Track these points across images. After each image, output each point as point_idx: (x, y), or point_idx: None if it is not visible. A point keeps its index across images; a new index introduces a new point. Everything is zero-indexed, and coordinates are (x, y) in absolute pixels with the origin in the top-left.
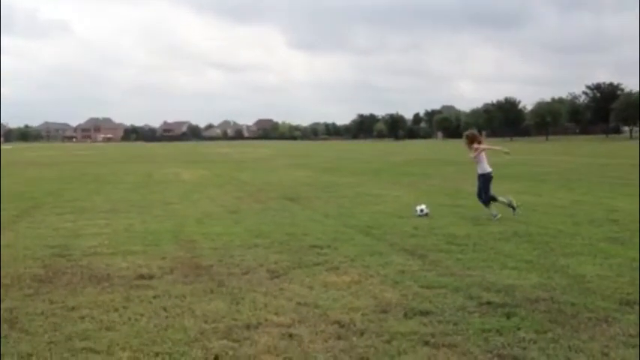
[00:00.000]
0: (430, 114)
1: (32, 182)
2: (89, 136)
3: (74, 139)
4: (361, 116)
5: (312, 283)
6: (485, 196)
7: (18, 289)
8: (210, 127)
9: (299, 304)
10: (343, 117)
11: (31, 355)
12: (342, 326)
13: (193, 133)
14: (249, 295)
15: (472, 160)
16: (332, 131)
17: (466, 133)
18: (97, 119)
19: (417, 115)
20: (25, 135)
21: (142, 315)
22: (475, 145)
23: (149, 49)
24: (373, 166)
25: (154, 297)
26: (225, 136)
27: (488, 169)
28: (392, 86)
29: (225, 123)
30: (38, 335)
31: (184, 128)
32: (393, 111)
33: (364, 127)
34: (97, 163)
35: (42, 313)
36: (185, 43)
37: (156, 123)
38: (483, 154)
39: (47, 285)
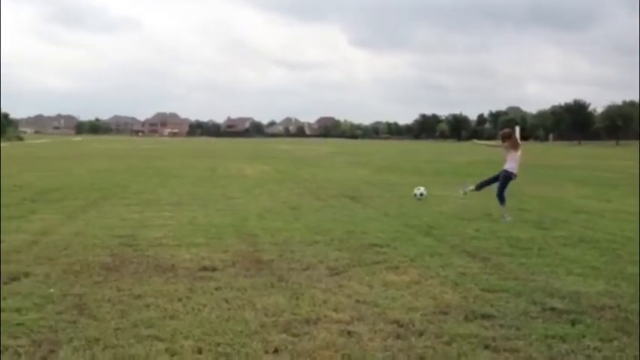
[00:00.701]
0: (495, 115)
1: (101, 174)
2: (156, 131)
3: (140, 134)
4: (423, 116)
5: (372, 281)
6: (498, 192)
7: (87, 276)
8: (272, 123)
9: (358, 301)
10: (405, 116)
11: (98, 340)
12: (401, 326)
13: (256, 130)
14: (308, 291)
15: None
16: (393, 130)
17: (502, 132)
18: (163, 114)
19: (481, 116)
20: (95, 128)
21: (204, 306)
22: (506, 143)
23: (214, 45)
24: (435, 166)
25: (216, 289)
26: (287, 133)
27: (513, 168)
28: (455, 86)
29: (287, 120)
30: (105, 321)
31: (247, 124)
32: (455, 111)
33: (426, 127)
34: (162, 157)
35: (109, 300)
36: (249, 41)
37: (220, 119)
38: (514, 152)
39: (115, 273)
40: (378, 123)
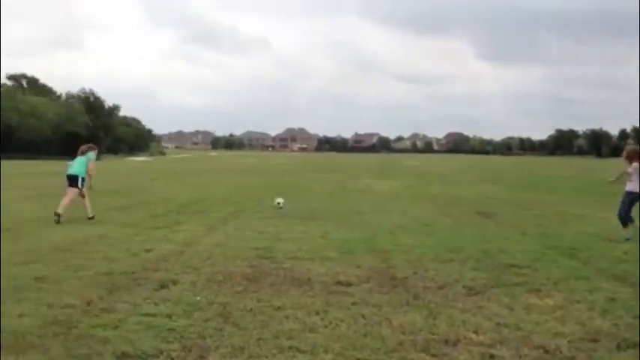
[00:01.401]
0: (639, 130)
1: (237, 188)
2: (286, 146)
3: (270, 148)
4: (559, 131)
5: (512, 303)
6: (623, 214)
7: (229, 285)
8: (399, 139)
9: (499, 324)
10: (536, 131)
11: (243, 348)
12: (547, 352)
13: (383, 145)
14: (445, 311)
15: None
16: (526, 146)
17: (628, 148)
18: (293, 129)
19: (623, 132)
20: (229, 143)
21: (341, 320)
22: (635, 164)
23: (340, 61)
24: (574, 183)
25: (352, 304)
26: (414, 149)
27: (637, 189)
28: (588, 99)
29: (415, 135)
30: (248, 330)
31: (374, 140)
32: (594, 126)
33: (562, 143)
34: (292, 171)
35: (251, 310)
36: (374, 56)
37: (347, 134)
38: (638, 173)
39: (254, 284)
40: (509, 138)
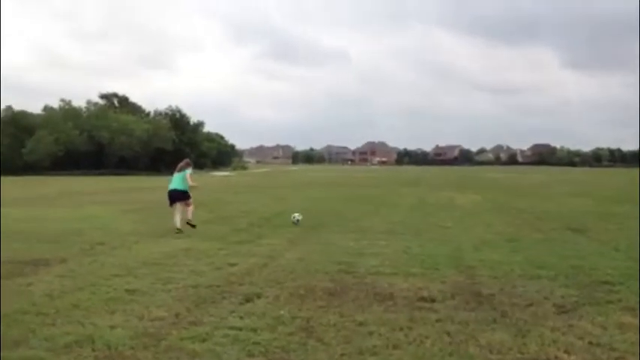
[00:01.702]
0: None
1: (317, 201)
2: (366, 159)
3: (350, 162)
4: None
5: (605, 322)
6: None
7: (312, 300)
8: (482, 151)
9: (591, 343)
10: (629, 142)
11: None
12: None
13: (465, 157)
14: (535, 329)
15: None
16: (617, 157)
17: None
18: (373, 143)
19: None
20: (309, 157)
21: (426, 337)
22: None
23: (419, 73)
24: None
25: (437, 320)
26: (497, 161)
27: None
28: None
29: (498, 147)
30: (332, 346)
31: (456, 152)
32: None
33: None
34: (373, 185)
35: (334, 325)
36: (456, 66)
37: (428, 147)
38: None
39: (337, 299)
40: (598, 149)
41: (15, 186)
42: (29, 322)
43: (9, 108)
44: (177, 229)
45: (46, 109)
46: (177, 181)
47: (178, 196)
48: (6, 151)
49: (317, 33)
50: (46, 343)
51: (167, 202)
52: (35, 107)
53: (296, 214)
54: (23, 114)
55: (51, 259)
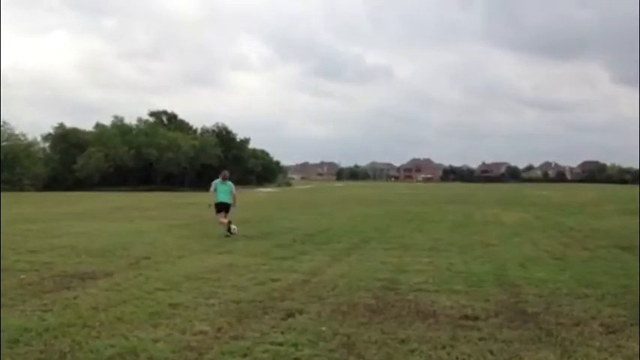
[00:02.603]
0: None
1: (361, 218)
2: (410, 176)
3: (393, 179)
4: None
5: None
6: None
7: (354, 316)
8: (529, 168)
9: None
10: None
11: None
12: None
13: (512, 175)
14: (581, 349)
15: None
16: None
17: None
18: (417, 160)
19: None
20: (354, 173)
21: (469, 356)
22: None
23: (464, 89)
24: None
25: (480, 339)
26: (545, 178)
27: None
28: None
29: (546, 164)
30: None
31: (503, 169)
32: None
33: None
34: (417, 202)
35: (375, 342)
36: (502, 83)
37: (474, 164)
38: None
39: (378, 315)
40: None
41: (66, 201)
42: (75, 334)
43: (61, 125)
44: (227, 234)
45: (98, 126)
46: (226, 193)
47: (227, 208)
48: (57, 167)
49: (362, 49)
50: (91, 355)
51: (214, 211)
52: (87, 125)
53: (233, 227)
54: (75, 131)
55: (98, 272)
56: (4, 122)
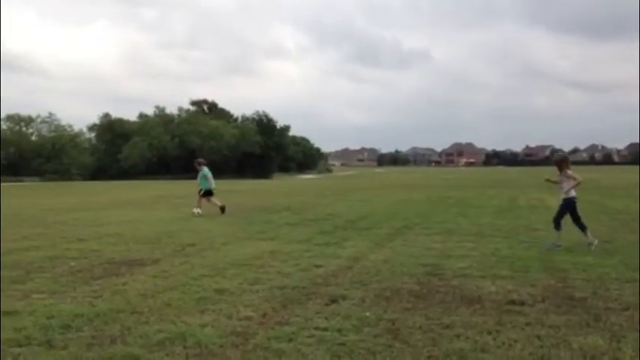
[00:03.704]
0: None
1: (403, 203)
2: (452, 161)
3: (433, 164)
4: None
5: None
6: (560, 219)
7: (397, 302)
8: (575, 150)
9: None
10: None
11: None
12: None
13: None
14: (631, 334)
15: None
16: None
17: (555, 158)
18: (459, 144)
19: None
20: (395, 159)
21: (515, 341)
22: (569, 172)
23: (506, 72)
24: None
25: (527, 324)
26: (592, 161)
27: (572, 193)
28: None
29: (593, 147)
30: (418, 348)
31: (547, 152)
32: None
33: None
34: (460, 186)
35: (420, 328)
36: (545, 64)
37: (517, 147)
38: (570, 179)
39: (422, 301)
40: None
41: (111, 190)
42: (124, 320)
43: (107, 115)
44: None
45: (141, 116)
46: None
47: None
48: (103, 157)
49: (398, 33)
50: (140, 340)
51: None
52: (128, 114)
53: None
54: (120, 121)
55: (145, 259)
56: (51, 113)
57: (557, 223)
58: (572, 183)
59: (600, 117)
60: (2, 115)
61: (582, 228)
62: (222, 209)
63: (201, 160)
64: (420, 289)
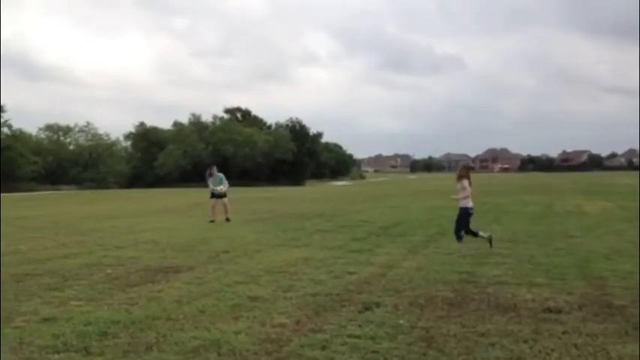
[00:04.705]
0: None
1: (436, 210)
2: (486, 167)
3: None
4: None
5: None
6: (460, 230)
7: (432, 309)
8: (613, 156)
9: None
10: None
11: None
12: None
13: (594, 163)
14: None
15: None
16: None
17: (461, 166)
18: (494, 150)
19: None
20: (428, 165)
21: (552, 350)
22: (465, 183)
23: (540, 76)
24: None
25: (564, 332)
26: (630, 166)
27: (470, 204)
28: None
29: (631, 152)
30: (453, 357)
31: (584, 158)
32: None
33: None
34: (494, 192)
35: (454, 336)
36: (581, 68)
37: (553, 152)
38: (469, 189)
39: (457, 309)
40: None
41: (147, 197)
42: (160, 327)
43: (142, 124)
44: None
45: (176, 124)
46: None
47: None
48: (139, 165)
49: (430, 39)
50: (175, 347)
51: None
52: (162, 123)
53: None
54: (154, 130)
55: (180, 266)
56: (88, 123)
57: (458, 236)
58: (463, 194)
59: (638, 122)
60: (42, 125)
61: (459, 238)
62: (212, 221)
63: (213, 166)
64: (455, 296)
